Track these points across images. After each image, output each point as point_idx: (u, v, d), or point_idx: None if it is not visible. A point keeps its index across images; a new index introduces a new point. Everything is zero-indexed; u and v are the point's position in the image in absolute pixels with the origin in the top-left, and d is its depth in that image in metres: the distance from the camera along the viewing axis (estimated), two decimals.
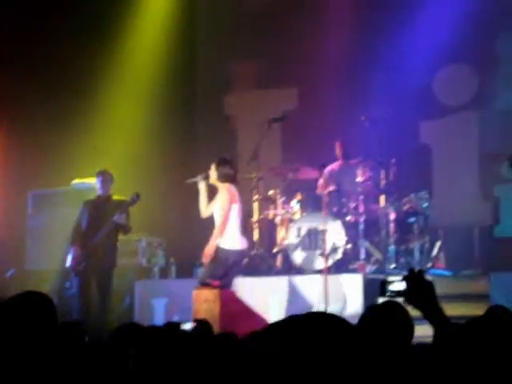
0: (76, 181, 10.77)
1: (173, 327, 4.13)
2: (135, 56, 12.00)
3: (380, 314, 3.70)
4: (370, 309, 3.86)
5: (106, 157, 10.55)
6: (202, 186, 8.73)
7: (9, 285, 10.10)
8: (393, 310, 3.65)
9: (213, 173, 8.65)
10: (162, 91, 11.93)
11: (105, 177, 9.34)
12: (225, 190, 8.60)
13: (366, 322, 3.65)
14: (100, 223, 9.13)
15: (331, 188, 9.89)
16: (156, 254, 10.08)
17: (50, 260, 9.30)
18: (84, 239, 9.13)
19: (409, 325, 3.73)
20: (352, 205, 9.93)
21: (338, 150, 10.53)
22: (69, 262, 9.07)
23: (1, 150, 11.89)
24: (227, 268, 8.63)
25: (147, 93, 11.90)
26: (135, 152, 11.33)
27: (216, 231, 8.60)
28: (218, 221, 8.61)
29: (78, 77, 11.47)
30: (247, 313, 8.45)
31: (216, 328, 7.32)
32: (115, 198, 9.37)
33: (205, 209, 8.77)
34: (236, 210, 8.62)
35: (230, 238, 8.61)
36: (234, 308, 8.56)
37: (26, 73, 11.39)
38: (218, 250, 8.56)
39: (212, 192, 8.74)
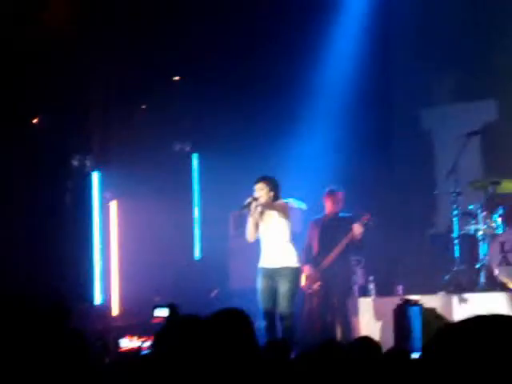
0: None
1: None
2: (330, 66, 11.97)
3: None
4: None
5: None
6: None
7: (214, 304, 10.40)
8: None
9: (267, 193, 8.56)
10: (356, 105, 11.80)
11: (334, 195, 9.48)
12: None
13: None
14: (331, 242, 9.26)
15: None
16: (355, 271, 10.06)
17: (252, 279, 9.47)
18: (316, 259, 9.31)
19: None
20: None
21: None
22: (303, 281, 9.18)
23: (203, 174, 12.33)
24: None
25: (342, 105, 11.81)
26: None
27: None
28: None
29: (272, 99, 11.66)
30: None
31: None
32: (341, 215, 9.49)
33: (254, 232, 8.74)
34: None
35: None
36: (437, 325, 8.40)
37: (219, 95, 11.71)
38: None
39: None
